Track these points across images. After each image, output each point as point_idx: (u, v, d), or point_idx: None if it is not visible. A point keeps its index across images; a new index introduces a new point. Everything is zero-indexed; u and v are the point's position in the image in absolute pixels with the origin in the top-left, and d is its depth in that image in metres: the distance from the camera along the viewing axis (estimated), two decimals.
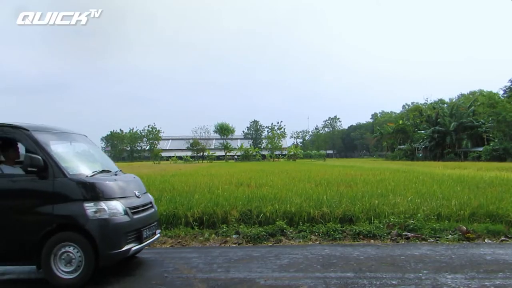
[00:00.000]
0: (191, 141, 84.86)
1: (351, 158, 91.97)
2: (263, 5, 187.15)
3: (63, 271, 4.52)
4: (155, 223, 5.63)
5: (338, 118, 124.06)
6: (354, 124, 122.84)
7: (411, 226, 7.17)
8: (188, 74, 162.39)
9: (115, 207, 4.76)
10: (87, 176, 4.92)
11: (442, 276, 4.72)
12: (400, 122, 74.93)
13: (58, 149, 5.09)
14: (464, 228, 6.98)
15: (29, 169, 4.54)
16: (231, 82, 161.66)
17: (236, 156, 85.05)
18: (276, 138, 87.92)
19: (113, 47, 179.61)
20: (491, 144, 52.09)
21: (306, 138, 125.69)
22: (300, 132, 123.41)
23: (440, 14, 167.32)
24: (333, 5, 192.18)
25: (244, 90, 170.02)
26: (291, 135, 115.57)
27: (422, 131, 67.70)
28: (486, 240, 6.71)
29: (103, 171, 5.33)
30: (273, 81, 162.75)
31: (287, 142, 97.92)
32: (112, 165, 5.89)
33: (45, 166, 4.60)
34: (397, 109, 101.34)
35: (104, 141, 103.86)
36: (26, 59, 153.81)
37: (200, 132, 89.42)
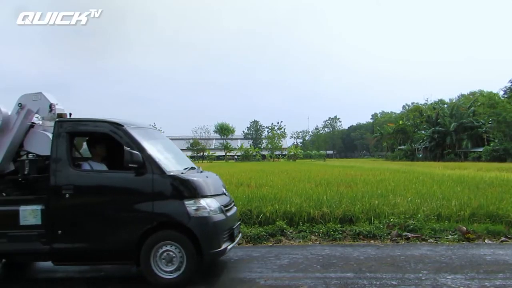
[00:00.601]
0: (191, 141, 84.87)
1: (351, 158, 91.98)
2: (263, 5, 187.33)
3: (163, 270, 4.40)
4: (239, 222, 5.57)
5: (338, 118, 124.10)
6: (354, 124, 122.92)
7: (411, 226, 7.17)
8: (188, 74, 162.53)
9: (212, 205, 4.62)
10: (182, 173, 4.79)
11: (442, 276, 4.72)
12: (400, 122, 74.90)
13: (150, 145, 4.89)
14: (464, 228, 6.97)
15: (130, 165, 4.39)
16: (231, 82, 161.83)
17: (236, 156, 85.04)
18: (276, 138, 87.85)
19: (113, 47, 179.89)
20: (491, 144, 52.08)
21: (306, 138, 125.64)
22: (300, 132, 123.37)
23: (440, 14, 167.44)
24: (333, 5, 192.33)
25: (244, 90, 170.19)
26: (291, 135, 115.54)
27: (422, 132, 67.70)
28: (486, 241, 6.71)
29: (191, 168, 5.18)
30: (273, 81, 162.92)
31: (287, 142, 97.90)
32: (191, 162, 5.68)
33: (144, 163, 4.47)
34: (397, 109, 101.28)
35: None
36: (26, 59, 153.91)
37: (200, 132, 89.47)
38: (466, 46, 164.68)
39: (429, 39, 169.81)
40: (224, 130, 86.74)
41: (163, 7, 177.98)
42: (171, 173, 4.60)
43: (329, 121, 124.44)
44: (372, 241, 6.79)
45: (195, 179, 4.73)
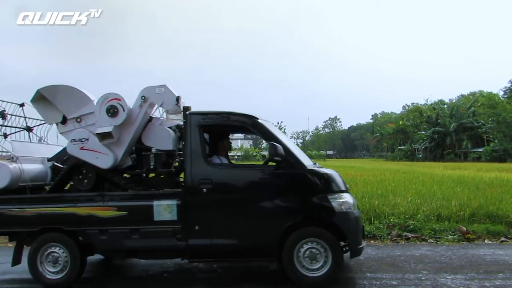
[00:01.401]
0: None
1: (352, 159, 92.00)
2: (263, 5, 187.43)
3: (308, 268, 4.26)
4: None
5: (338, 119, 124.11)
6: (354, 124, 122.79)
7: (411, 226, 7.18)
8: (188, 74, 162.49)
9: (351, 200, 4.47)
10: (318, 167, 4.65)
11: (442, 276, 4.72)
12: (400, 122, 74.86)
13: (284, 138, 4.72)
14: (464, 228, 6.98)
15: (274, 158, 4.24)
16: (231, 82, 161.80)
17: (236, 157, 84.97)
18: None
19: (113, 47, 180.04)
20: (491, 144, 52.07)
21: (307, 138, 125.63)
22: (300, 132, 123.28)
23: (440, 14, 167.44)
24: (333, 5, 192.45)
25: (244, 90, 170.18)
26: (291, 135, 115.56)
27: (422, 132, 67.65)
28: (486, 241, 6.72)
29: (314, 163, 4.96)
30: (273, 81, 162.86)
31: None
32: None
33: (286, 156, 4.31)
34: (397, 109, 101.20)
35: None
36: (26, 59, 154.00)
37: None
38: (466, 46, 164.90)
39: (429, 39, 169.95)
40: None
41: (163, 7, 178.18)
42: (310, 167, 4.48)
43: (329, 121, 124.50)
44: (372, 241, 6.79)
45: (333, 173, 4.59)
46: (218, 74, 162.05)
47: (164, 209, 4.36)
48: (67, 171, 4.85)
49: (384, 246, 6.43)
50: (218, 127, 4.93)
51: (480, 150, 53.77)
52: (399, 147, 73.66)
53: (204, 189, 4.34)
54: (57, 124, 4.97)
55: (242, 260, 4.98)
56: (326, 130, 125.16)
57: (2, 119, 5.16)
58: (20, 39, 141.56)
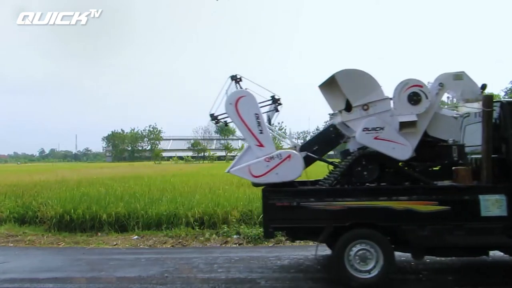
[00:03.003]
0: (192, 141, 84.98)
1: None
2: (263, 6, 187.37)
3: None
4: None
5: None
6: None
7: None
8: (188, 74, 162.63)
9: None
10: None
11: (443, 277, 4.72)
12: None
13: None
14: None
15: None
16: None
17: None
18: (277, 138, 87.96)
19: (113, 47, 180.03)
20: None
21: (307, 139, 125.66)
22: (301, 133, 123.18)
23: (440, 14, 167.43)
24: (333, 5, 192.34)
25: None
26: (291, 135, 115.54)
27: None
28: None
29: None
30: (273, 81, 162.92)
31: (288, 143, 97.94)
32: None
33: None
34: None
35: (105, 141, 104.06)
36: (26, 59, 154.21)
37: (201, 133, 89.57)
38: (466, 46, 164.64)
39: (429, 39, 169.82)
40: (225, 131, 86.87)
41: (163, 8, 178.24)
42: None
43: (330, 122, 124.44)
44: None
45: None
46: (218, 74, 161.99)
47: (493, 204, 4.11)
48: (355, 162, 4.54)
49: None
50: None
51: None
52: None
53: None
54: (340, 112, 4.73)
55: None
56: None
57: (278, 105, 5.04)
58: (20, 39, 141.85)
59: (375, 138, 4.36)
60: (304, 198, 4.32)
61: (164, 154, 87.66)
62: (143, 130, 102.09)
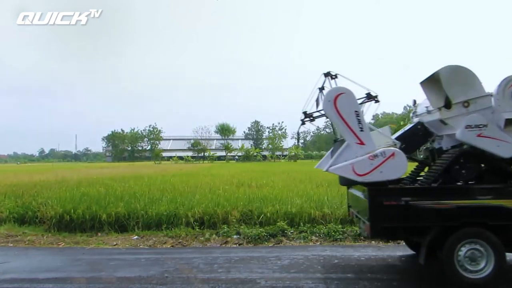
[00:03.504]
0: (192, 141, 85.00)
1: None
2: (262, 8, 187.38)
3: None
4: None
5: None
6: None
7: None
8: (188, 74, 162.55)
9: None
10: None
11: (443, 277, 4.70)
12: (402, 123, 74.60)
13: None
14: None
15: None
16: (231, 82, 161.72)
17: (237, 157, 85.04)
18: (277, 138, 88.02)
19: (113, 47, 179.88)
20: None
21: (307, 138, 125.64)
22: (301, 132, 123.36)
23: (440, 14, 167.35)
24: (332, 5, 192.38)
25: (244, 91, 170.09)
26: (292, 135, 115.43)
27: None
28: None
29: None
30: (274, 81, 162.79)
31: (288, 143, 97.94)
32: None
33: None
34: (399, 110, 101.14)
35: (105, 141, 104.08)
36: (26, 59, 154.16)
37: (201, 132, 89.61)
38: (466, 46, 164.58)
39: (429, 39, 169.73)
40: (225, 131, 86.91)
41: (163, 8, 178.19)
42: None
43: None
44: (373, 242, 6.77)
45: None
46: (219, 74, 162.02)
47: None
48: (454, 160, 4.45)
49: (385, 247, 6.41)
50: None
51: None
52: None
53: None
54: (439, 109, 4.66)
55: None
56: (327, 130, 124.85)
57: (375, 102, 4.96)
58: (20, 39, 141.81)
59: (479, 136, 4.31)
60: (413, 196, 4.23)
61: (164, 154, 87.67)
62: (143, 130, 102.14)
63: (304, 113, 4.85)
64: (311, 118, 4.87)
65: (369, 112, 4.96)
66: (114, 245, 7.11)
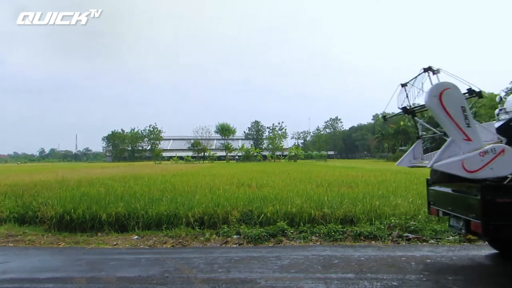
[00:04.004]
0: (192, 141, 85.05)
1: (352, 159, 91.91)
2: (262, 9, 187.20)
3: None
4: None
5: (340, 119, 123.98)
6: (355, 125, 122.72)
7: (412, 227, 7.16)
8: (188, 74, 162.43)
9: None
10: None
11: (443, 277, 4.71)
12: (402, 123, 74.77)
13: None
14: None
15: None
16: (232, 82, 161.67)
17: (237, 157, 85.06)
18: (277, 138, 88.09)
19: (113, 47, 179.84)
20: None
21: (307, 139, 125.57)
22: (301, 133, 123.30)
23: (440, 13, 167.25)
24: (332, 5, 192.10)
25: (245, 91, 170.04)
26: (292, 135, 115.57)
27: (423, 133, 67.55)
28: (487, 242, 6.69)
29: None
30: (274, 81, 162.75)
31: (288, 143, 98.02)
32: None
33: None
34: (399, 110, 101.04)
35: (105, 141, 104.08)
36: (27, 59, 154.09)
37: (201, 132, 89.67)
38: (467, 46, 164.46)
39: (429, 39, 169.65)
40: (225, 131, 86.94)
41: (163, 8, 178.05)
42: None
43: (330, 122, 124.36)
44: (373, 242, 6.78)
45: None
46: (218, 73, 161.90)
47: None
48: None
49: (385, 247, 6.41)
50: None
51: None
52: (400, 148, 73.49)
53: None
54: None
55: None
56: (327, 130, 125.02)
57: (479, 97, 4.82)
58: (20, 39, 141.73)
59: None
60: None
61: (164, 154, 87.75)
62: (143, 130, 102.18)
63: (403, 108, 4.75)
64: (413, 113, 4.86)
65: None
66: (114, 245, 7.11)
